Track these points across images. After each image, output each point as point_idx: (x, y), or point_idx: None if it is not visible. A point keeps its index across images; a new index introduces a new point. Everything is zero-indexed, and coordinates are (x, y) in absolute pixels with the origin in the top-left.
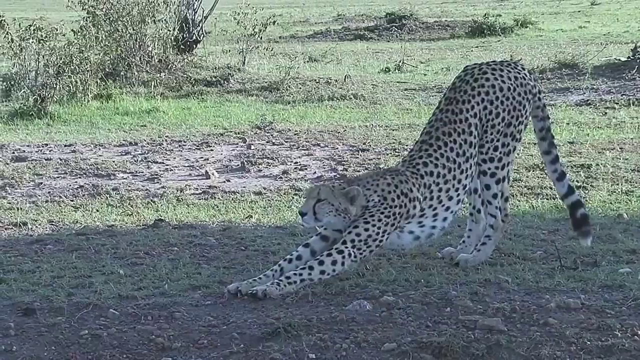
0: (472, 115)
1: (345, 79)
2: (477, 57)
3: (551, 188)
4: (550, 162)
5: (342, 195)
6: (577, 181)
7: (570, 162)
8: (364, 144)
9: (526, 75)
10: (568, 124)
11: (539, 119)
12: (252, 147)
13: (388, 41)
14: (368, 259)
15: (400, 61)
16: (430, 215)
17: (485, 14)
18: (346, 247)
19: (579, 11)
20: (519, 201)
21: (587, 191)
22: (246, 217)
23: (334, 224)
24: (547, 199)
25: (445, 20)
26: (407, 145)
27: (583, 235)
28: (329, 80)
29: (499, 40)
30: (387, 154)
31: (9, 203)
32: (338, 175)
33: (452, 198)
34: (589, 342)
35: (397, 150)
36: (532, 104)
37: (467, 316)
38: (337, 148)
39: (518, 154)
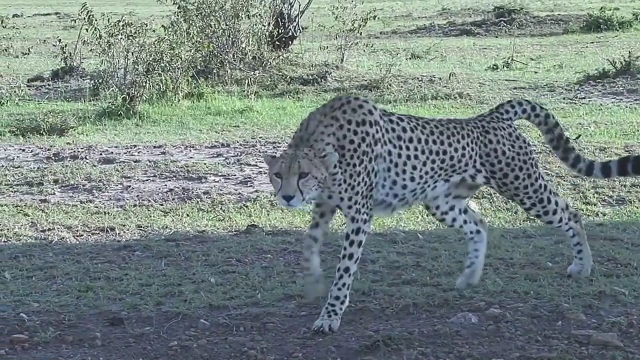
0: (462, 154)
1: (450, 77)
2: (592, 54)
3: None
4: (570, 167)
5: (322, 163)
6: None
7: None
8: None
9: (512, 125)
10: None
11: (544, 132)
12: None
13: (496, 37)
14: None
15: (509, 58)
16: (390, 180)
17: (601, 8)
18: (356, 222)
19: None
20: (637, 207)
21: None
22: (343, 224)
23: (316, 197)
24: None
25: (558, 14)
26: None
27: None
28: (433, 78)
29: (616, 36)
30: None
31: (96, 207)
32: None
33: (414, 180)
34: None
35: None
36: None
37: (580, 331)
38: None
39: None
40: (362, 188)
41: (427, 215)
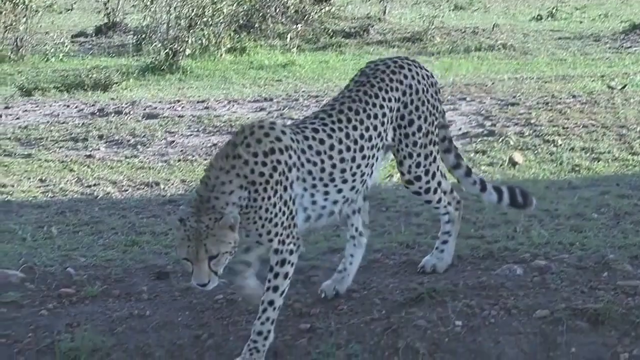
0: (388, 107)
1: (493, 28)
2: (638, 2)
3: None
4: (464, 176)
5: (223, 230)
6: None
7: None
8: (514, 97)
9: (431, 74)
10: None
11: (439, 126)
12: None
13: None
14: (299, 232)
15: (553, 8)
16: (322, 192)
17: None
18: (280, 253)
19: None
20: None
21: None
22: (387, 177)
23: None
24: None
25: None
26: (560, 99)
27: (526, 205)
28: (476, 30)
29: None
30: (539, 108)
31: (141, 162)
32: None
33: (347, 181)
34: None
35: (549, 104)
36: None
37: (627, 281)
38: (484, 102)
39: None
40: (281, 219)
41: None
